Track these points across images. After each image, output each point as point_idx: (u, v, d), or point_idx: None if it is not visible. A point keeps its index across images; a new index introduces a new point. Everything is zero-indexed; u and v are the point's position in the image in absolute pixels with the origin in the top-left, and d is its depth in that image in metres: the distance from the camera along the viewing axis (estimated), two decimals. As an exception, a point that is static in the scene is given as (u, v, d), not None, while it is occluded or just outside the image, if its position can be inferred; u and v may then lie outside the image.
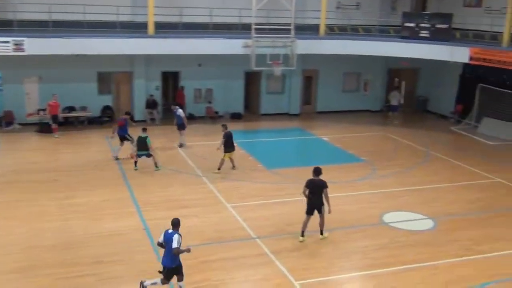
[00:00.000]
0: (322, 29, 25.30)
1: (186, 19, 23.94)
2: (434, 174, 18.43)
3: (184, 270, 11.32)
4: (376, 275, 11.59)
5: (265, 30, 23.60)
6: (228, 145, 18.02)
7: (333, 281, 11.40)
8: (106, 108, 24.78)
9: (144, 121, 24.83)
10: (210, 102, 26.12)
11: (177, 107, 21.49)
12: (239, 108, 26.73)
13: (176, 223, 10.29)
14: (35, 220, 13.80)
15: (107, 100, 24.87)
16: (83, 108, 23.98)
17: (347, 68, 28.15)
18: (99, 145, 21.03)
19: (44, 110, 23.02)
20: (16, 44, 20.76)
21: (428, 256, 12.44)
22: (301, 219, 14.28)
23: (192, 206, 15.03)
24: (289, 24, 23.69)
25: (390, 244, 13.00)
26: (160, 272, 10.30)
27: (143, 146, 17.92)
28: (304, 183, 13.01)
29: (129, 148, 19.24)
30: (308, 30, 25.84)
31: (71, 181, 16.74)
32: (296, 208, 15.11)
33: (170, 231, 10.23)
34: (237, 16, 24.37)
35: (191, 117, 25.54)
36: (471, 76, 25.97)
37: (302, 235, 13.06)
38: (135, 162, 17.98)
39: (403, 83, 29.22)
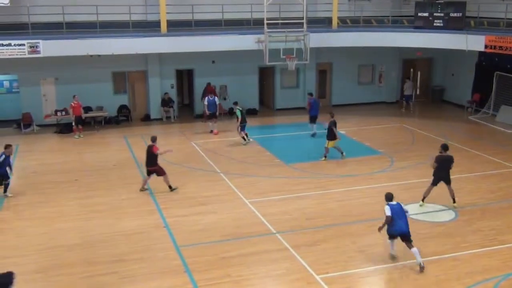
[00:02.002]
0: (334, 22, 25.14)
1: (198, 17, 23.96)
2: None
3: (204, 266, 11.45)
4: (398, 268, 11.51)
5: (277, 24, 23.54)
6: (332, 133, 18.63)
7: (354, 274, 11.35)
8: (122, 108, 24.93)
9: (160, 119, 24.96)
10: (225, 99, 26.13)
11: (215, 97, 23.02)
12: (254, 103, 26.70)
13: (390, 197, 11.87)
14: (56, 220, 13.95)
15: (123, 99, 25.02)
16: (100, 108, 24.15)
17: (361, 60, 27.99)
18: (117, 145, 21.19)
19: (61, 111, 23.26)
20: (31, 47, 20.93)
21: (450, 248, 12.34)
22: (320, 212, 14.33)
23: (211, 202, 15.07)
24: (301, 18, 23.58)
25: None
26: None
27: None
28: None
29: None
30: (320, 23, 25.72)
31: (91, 181, 16.88)
32: (315, 202, 15.14)
33: (394, 202, 11.71)
34: (249, 12, 24.32)
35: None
36: (487, 64, 25.66)
37: (423, 200, 14.61)
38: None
39: (418, 73, 28.97)
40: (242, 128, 21.02)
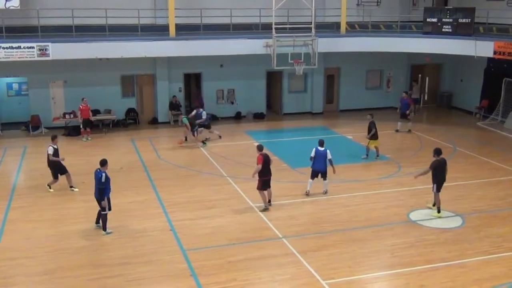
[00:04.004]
0: (343, 27, 25.13)
1: (207, 21, 24.02)
2: (461, 171, 18.16)
3: (210, 270, 11.45)
4: (404, 274, 11.46)
5: (285, 29, 23.56)
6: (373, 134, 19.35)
7: (360, 280, 11.31)
8: (130, 111, 25.01)
9: (167, 122, 25.02)
10: (232, 103, 26.18)
11: (200, 108, 22.30)
12: (262, 108, 26.72)
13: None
14: (63, 223, 13.99)
15: (131, 102, 25.12)
16: (108, 111, 24.24)
17: (370, 65, 27.96)
18: (125, 148, 21.25)
19: (70, 113, 23.38)
20: (40, 49, 21.07)
21: (457, 254, 12.27)
22: (327, 217, 14.34)
23: (218, 206, 15.07)
24: (309, 23, 23.60)
25: (418, 242, 12.85)
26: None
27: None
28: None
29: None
30: (328, 28, 25.75)
31: (97, 183, 16.89)
32: (322, 207, 15.11)
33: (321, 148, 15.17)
34: (257, 16, 24.37)
35: (214, 118, 25.68)
36: (496, 70, 25.56)
37: (439, 212, 14.40)
38: None
39: (427, 79, 28.91)
40: (195, 132, 21.30)
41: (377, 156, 19.67)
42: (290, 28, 23.56)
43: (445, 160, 14.57)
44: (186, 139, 21.71)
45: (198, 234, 13.28)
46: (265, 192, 14.77)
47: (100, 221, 13.41)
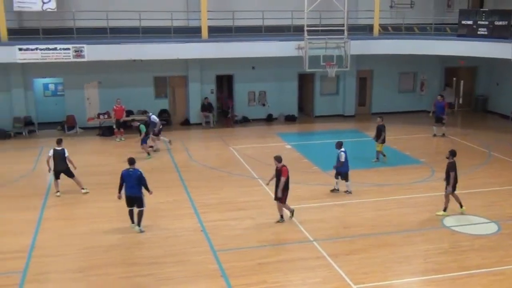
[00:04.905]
0: (376, 29, 24.92)
1: (239, 23, 24.11)
2: (496, 176, 17.79)
3: (240, 272, 11.46)
4: (437, 281, 11.26)
5: (317, 31, 23.47)
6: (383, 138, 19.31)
7: (392, 285, 11.15)
8: (163, 112, 25.25)
9: (199, 124, 25.18)
10: (264, 105, 26.20)
11: (150, 113, 21.25)
12: (293, 110, 26.67)
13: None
14: (96, 221, 14.20)
15: (164, 103, 25.38)
16: (141, 112, 24.50)
17: (403, 68, 27.65)
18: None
19: (104, 114, 23.75)
20: (76, 51, 21.49)
21: (492, 261, 11.99)
22: (358, 221, 14.18)
23: (248, 208, 15.09)
24: (342, 25, 23.47)
25: (452, 249, 12.62)
26: None
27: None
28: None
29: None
30: (361, 30, 25.55)
31: (130, 183, 17.09)
32: (353, 211, 14.98)
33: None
34: (290, 18, 24.34)
35: (245, 120, 25.81)
36: (534, 74, 24.99)
37: (462, 206, 14.58)
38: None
39: (461, 82, 28.42)
40: (145, 141, 20.09)
41: (377, 159, 19.49)
42: (322, 30, 23.46)
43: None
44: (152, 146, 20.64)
45: (229, 235, 13.31)
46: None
47: (135, 219, 13.60)
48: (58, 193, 15.99)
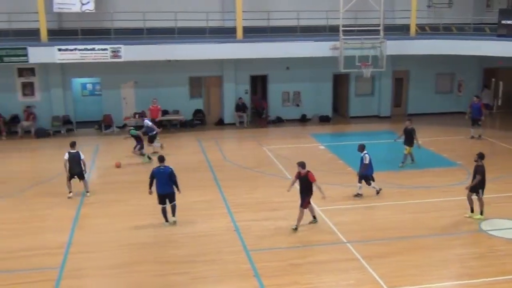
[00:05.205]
0: (412, 29, 24.59)
1: (274, 23, 24.13)
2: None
3: (273, 272, 11.46)
4: (474, 285, 11.04)
5: (353, 31, 23.30)
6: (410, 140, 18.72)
7: (427, 289, 11.02)
8: (197, 112, 25.48)
9: (233, 124, 25.30)
10: (298, 105, 26.15)
11: (145, 118, 21.11)
12: (328, 111, 26.54)
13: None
14: (131, 219, 14.40)
15: (198, 103, 25.59)
16: (176, 112, 24.81)
17: (440, 68, 27.19)
18: (191, 148, 21.67)
19: (139, 113, 24.09)
20: (113, 51, 21.87)
21: (530, 267, 11.72)
22: (393, 224, 14.01)
23: (282, 208, 15.06)
24: (377, 25, 23.25)
25: (489, 253, 12.35)
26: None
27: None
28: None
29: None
30: (397, 30, 25.25)
31: (164, 182, 17.29)
32: (387, 213, 14.81)
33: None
34: (325, 19, 24.23)
35: (279, 120, 25.82)
36: None
37: (472, 211, 14.28)
38: None
39: (501, 83, 27.78)
40: (142, 147, 19.53)
41: (403, 163, 18.87)
42: (358, 30, 23.28)
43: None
44: (162, 146, 20.38)
45: (262, 235, 13.33)
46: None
47: (170, 212, 13.96)
48: (71, 194, 15.93)
